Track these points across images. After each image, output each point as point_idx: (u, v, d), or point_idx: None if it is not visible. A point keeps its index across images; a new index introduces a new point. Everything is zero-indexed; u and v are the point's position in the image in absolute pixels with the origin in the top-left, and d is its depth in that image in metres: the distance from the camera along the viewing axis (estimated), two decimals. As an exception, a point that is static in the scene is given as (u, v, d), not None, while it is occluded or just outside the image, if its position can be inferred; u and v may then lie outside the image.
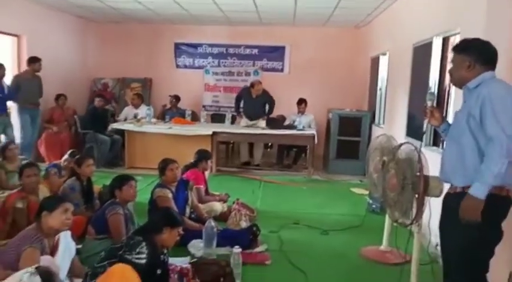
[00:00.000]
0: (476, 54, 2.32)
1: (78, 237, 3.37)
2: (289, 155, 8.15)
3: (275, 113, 8.01)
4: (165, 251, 2.76)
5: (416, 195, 2.92)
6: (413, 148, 3.07)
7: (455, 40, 4.29)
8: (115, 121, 7.72)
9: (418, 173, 2.96)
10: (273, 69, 9.11)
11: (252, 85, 7.52)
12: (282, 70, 9.12)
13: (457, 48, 2.40)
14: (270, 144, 7.94)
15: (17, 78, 6.71)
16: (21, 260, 2.53)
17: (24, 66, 6.96)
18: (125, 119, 7.72)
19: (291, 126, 7.35)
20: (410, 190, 2.91)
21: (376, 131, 6.97)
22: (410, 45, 5.33)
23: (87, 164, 4.11)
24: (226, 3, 6.80)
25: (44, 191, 3.87)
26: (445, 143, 2.57)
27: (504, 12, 3.19)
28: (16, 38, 6.98)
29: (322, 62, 8.76)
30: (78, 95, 8.50)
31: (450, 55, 2.40)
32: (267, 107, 7.59)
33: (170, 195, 3.94)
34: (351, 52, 8.68)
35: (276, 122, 7.70)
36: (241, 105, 7.60)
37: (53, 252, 2.74)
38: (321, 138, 7.89)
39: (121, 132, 7.29)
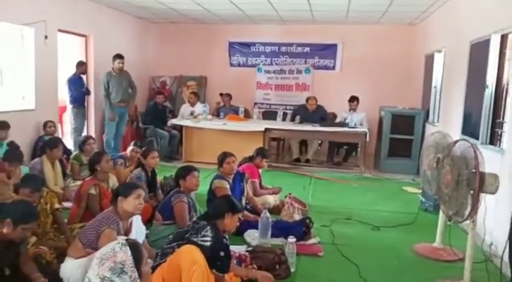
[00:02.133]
0: None
1: (145, 223, 3.66)
2: (340, 152, 8.20)
3: (327, 111, 8.15)
4: (227, 236, 2.98)
5: (472, 192, 2.96)
6: (469, 145, 3.11)
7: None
8: (173, 117, 8.12)
9: (473, 170, 3.00)
10: (325, 67, 9.17)
11: (307, 100, 7.86)
12: (333, 68, 9.16)
13: None
14: (320, 141, 8.01)
15: (107, 76, 6.92)
16: (100, 239, 2.81)
17: (92, 65, 7.49)
18: (182, 116, 8.09)
19: (342, 124, 7.40)
20: (465, 186, 2.95)
21: (430, 130, 6.87)
22: (467, 42, 5.24)
23: (152, 156, 4.44)
24: (280, 2, 6.96)
25: (113, 180, 4.22)
26: None
27: None
28: (84, 38, 7.51)
29: (374, 59, 8.72)
30: (139, 92, 8.96)
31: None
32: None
33: (228, 186, 4.18)
34: (405, 49, 8.57)
35: (325, 121, 7.78)
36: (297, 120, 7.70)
37: (126, 233, 3.04)
38: (372, 137, 7.87)
39: (179, 128, 7.69)
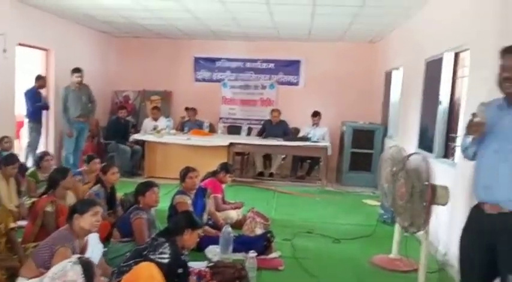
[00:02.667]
0: None
1: (103, 241, 3.58)
2: (303, 166, 8.32)
3: (290, 126, 8.31)
4: (186, 252, 2.95)
5: (424, 204, 3.07)
6: (421, 159, 3.23)
7: (465, 55, 4.46)
8: (136, 132, 8.02)
9: (426, 183, 3.12)
10: (289, 83, 9.33)
11: (271, 112, 8.17)
12: (297, 84, 9.33)
13: None
14: (284, 155, 8.12)
15: (65, 90, 6.74)
16: (54, 258, 2.73)
17: (53, 79, 7.33)
18: (145, 131, 8.00)
19: (305, 138, 7.53)
20: (419, 198, 3.06)
21: (389, 144, 7.06)
22: (423, 60, 5.48)
23: (112, 172, 4.36)
24: (245, 19, 7.06)
25: (71, 196, 4.12)
26: (490, 162, 2.29)
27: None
28: (45, 51, 7.35)
29: (336, 75, 8.95)
30: (101, 107, 8.82)
31: (502, 62, 2.23)
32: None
33: (189, 201, 4.16)
34: (366, 66, 8.85)
35: (288, 135, 7.91)
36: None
37: (82, 252, 2.96)
38: (334, 151, 8.04)
39: (141, 143, 7.59)
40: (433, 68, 5.15)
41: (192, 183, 4.21)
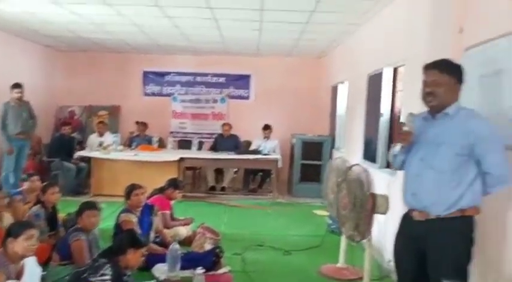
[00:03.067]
0: (461, 78, 2.34)
1: (43, 264, 3.41)
2: (255, 179, 8.36)
3: (242, 139, 8.40)
4: (129, 273, 2.87)
5: (365, 213, 3.18)
6: (362, 169, 3.35)
7: (403, 70, 4.70)
8: (82, 149, 7.75)
9: (367, 192, 3.23)
10: (240, 97, 9.40)
11: (222, 125, 8.25)
12: (248, 97, 9.42)
13: (448, 68, 2.33)
14: (236, 169, 8.13)
15: (4, 106, 6.40)
16: (-15, 284, 2.58)
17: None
18: (91, 147, 7.75)
19: (256, 151, 7.59)
20: (360, 208, 3.16)
21: (337, 155, 7.28)
22: (365, 74, 5.71)
23: (52, 192, 4.16)
24: (193, 34, 7.08)
25: (7, 218, 3.90)
26: (416, 170, 2.41)
27: (442, 45, 3.53)
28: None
29: (286, 89, 9.12)
30: (44, 123, 8.48)
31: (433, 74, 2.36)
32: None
33: (135, 219, 4.05)
34: (314, 80, 9.09)
35: (240, 149, 7.95)
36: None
37: (18, 277, 2.81)
38: (285, 163, 8.15)
39: (87, 160, 7.33)
40: (375, 82, 5.38)
41: (138, 200, 4.11)
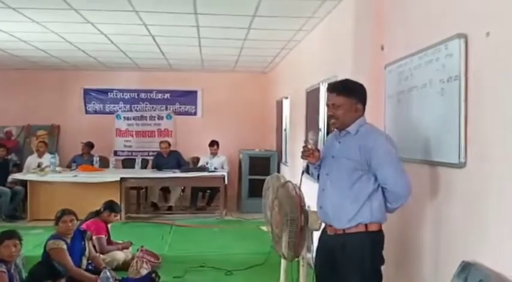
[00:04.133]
0: (360, 96, 2.40)
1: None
2: (205, 196, 8.23)
3: (190, 155, 8.30)
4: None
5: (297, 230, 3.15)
6: (293, 186, 3.33)
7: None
8: (19, 171, 7.35)
9: (297, 209, 3.20)
10: (186, 113, 9.29)
11: (160, 144, 8.07)
12: (195, 113, 9.33)
13: (344, 90, 2.37)
14: (183, 187, 7.97)
15: None
16: None
17: None
18: (28, 169, 7.36)
19: (202, 168, 7.48)
20: (290, 225, 3.13)
21: (284, 170, 7.32)
22: (303, 90, 5.79)
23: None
24: (133, 51, 6.93)
25: None
26: (322, 184, 2.51)
27: (364, 62, 3.62)
28: None
29: (233, 105, 9.10)
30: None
31: (332, 98, 2.40)
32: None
33: (64, 246, 3.82)
34: (260, 95, 9.13)
35: (184, 165, 7.82)
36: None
37: None
38: (234, 179, 8.09)
39: (24, 183, 6.94)
40: (312, 97, 5.46)
41: (66, 227, 3.89)
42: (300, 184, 2.89)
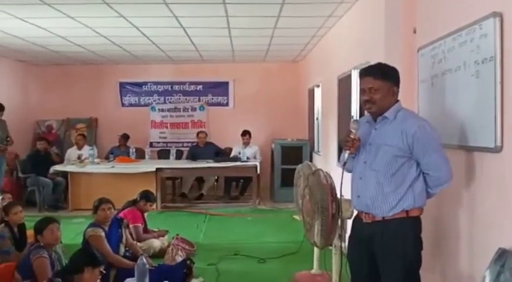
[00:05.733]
0: (396, 80, 2.34)
1: (8, 285, 3.33)
2: (238, 186, 8.30)
3: (223, 146, 8.42)
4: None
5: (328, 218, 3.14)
6: (324, 174, 3.32)
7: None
8: (61, 163, 7.67)
9: (330, 197, 3.19)
10: (218, 104, 9.36)
11: (197, 134, 8.25)
12: (227, 104, 9.38)
13: (380, 73, 2.31)
14: (216, 177, 8.08)
15: None
16: None
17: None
18: (68, 161, 7.66)
19: (235, 158, 7.54)
20: (321, 214, 3.12)
21: (316, 159, 7.28)
22: (335, 77, 5.71)
23: (14, 212, 4.05)
24: (165, 43, 7.03)
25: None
26: (360, 172, 2.40)
27: (396, 46, 3.53)
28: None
29: (265, 95, 9.10)
30: (21, 139, 8.37)
31: (368, 81, 2.31)
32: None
33: (103, 234, 3.97)
34: (291, 85, 9.08)
35: (222, 155, 7.90)
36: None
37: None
38: (267, 168, 8.11)
39: (65, 174, 7.24)
40: (344, 85, 5.37)
41: (104, 215, 4.03)
42: (342, 179, 2.50)
